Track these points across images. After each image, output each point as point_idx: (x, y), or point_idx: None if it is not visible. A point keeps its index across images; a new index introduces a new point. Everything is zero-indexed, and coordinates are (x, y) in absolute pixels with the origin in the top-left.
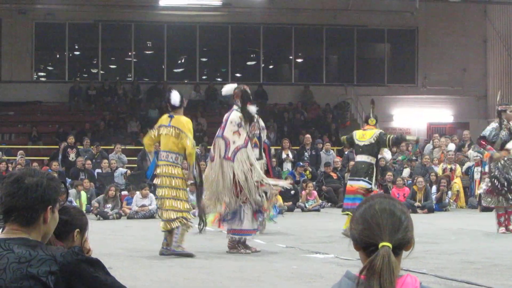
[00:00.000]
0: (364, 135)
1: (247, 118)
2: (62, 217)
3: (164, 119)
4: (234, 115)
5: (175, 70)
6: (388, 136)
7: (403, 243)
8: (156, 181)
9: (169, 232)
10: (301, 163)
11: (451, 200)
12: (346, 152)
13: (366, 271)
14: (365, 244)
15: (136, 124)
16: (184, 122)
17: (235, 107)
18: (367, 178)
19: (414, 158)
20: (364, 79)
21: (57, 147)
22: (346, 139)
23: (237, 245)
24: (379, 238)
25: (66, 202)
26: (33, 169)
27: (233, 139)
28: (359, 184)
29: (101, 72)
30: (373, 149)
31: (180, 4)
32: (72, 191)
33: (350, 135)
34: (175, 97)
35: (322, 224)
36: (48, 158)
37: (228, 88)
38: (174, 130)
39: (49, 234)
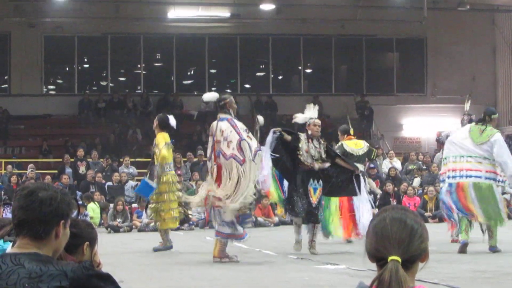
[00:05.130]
0: (357, 144)
1: (259, 128)
2: (71, 230)
3: (168, 137)
4: (239, 122)
5: (184, 82)
6: (374, 149)
7: (416, 255)
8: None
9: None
10: None
11: None
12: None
13: (376, 285)
14: (376, 257)
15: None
16: None
17: (228, 116)
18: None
19: (424, 167)
20: (373, 88)
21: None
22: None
23: (226, 254)
24: (388, 252)
25: (80, 216)
26: (46, 183)
27: (250, 143)
28: None
29: (111, 84)
30: (364, 158)
31: (188, 16)
32: (91, 206)
33: (339, 147)
34: (174, 120)
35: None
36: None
37: (211, 96)
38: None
39: (59, 250)
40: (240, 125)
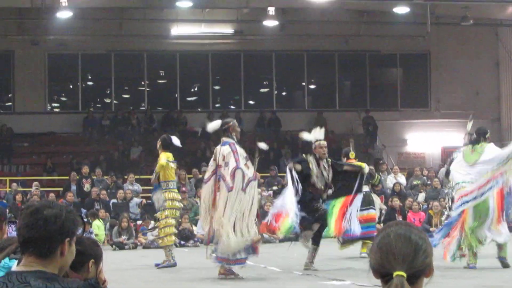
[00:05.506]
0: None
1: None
2: (77, 248)
3: (171, 156)
4: (240, 149)
5: (188, 99)
6: (377, 176)
7: (421, 270)
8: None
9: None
10: None
11: None
12: None
13: None
14: (381, 273)
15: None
16: None
17: (231, 140)
18: (373, 205)
19: (428, 182)
20: (377, 104)
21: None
22: None
23: (232, 271)
24: (393, 267)
25: (85, 234)
26: (51, 201)
27: (246, 172)
28: (371, 212)
29: (115, 101)
30: (368, 177)
31: (192, 33)
32: (96, 223)
33: None
34: (177, 140)
35: (338, 251)
36: (62, 189)
37: (214, 125)
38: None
39: (65, 267)
40: (241, 151)
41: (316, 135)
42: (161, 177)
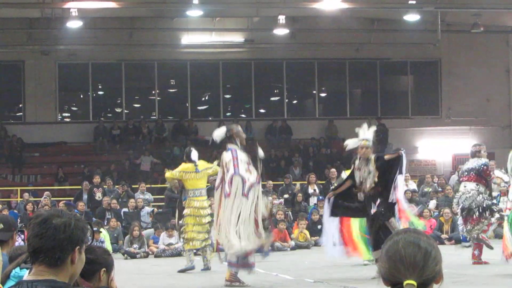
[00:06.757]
0: None
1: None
2: (88, 257)
3: (191, 167)
4: (241, 154)
5: (199, 108)
6: None
7: (431, 277)
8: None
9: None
10: (321, 197)
11: None
12: None
13: None
14: (391, 282)
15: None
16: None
17: (234, 146)
18: None
19: (439, 189)
20: (388, 112)
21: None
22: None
23: (237, 278)
24: (404, 276)
25: (96, 243)
26: (60, 209)
27: (247, 176)
28: None
29: (125, 111)
30: None
31: (202, 42)
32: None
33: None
34: (195, 155)
35: (350, 258)
36: (73, 198)
37: (220, 133)
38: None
39: (76, 275)
40: (242, 156)
41: (360, 135)
42: (187, 186)
